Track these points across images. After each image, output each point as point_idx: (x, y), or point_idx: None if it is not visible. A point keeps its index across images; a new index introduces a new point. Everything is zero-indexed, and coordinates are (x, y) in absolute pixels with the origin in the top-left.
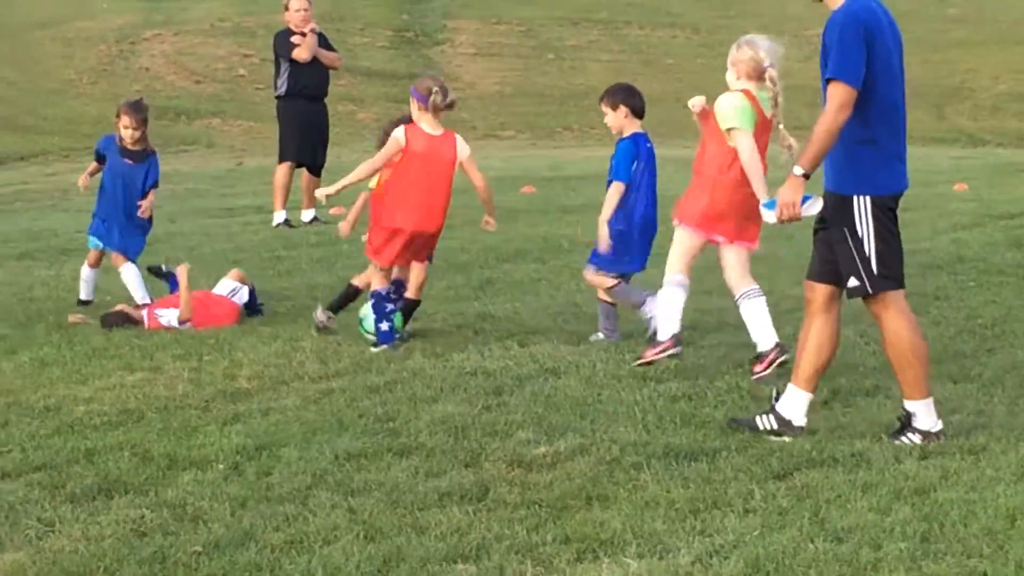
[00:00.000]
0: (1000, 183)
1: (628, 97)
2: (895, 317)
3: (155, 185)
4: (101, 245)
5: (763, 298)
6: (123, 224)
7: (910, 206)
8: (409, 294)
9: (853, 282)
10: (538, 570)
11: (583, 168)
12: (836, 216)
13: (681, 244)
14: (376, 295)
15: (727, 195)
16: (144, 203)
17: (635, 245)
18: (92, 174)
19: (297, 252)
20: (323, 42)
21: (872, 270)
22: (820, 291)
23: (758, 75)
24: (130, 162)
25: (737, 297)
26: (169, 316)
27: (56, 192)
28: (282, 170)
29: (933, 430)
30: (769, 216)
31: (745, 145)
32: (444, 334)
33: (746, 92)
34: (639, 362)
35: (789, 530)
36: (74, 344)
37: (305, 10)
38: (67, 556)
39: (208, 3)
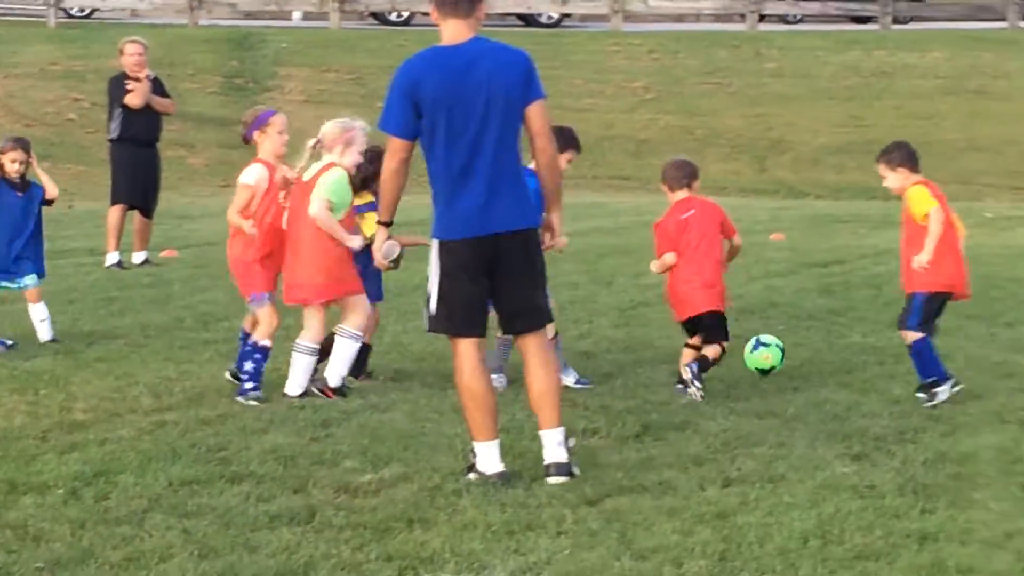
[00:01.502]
0: (816, 233)
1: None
2: (458, 361)
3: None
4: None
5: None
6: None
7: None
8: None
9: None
10: None
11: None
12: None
13: None
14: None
15: None
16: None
17: None
18: None
19: (130, 292)
20: (158, 88)
21: (431, 310)
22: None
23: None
24: (19, 194)
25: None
26: None
27: None
28: (114, 212)
29: (489, 472)
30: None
31: None
32: (276, 371)
33: None
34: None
35: (598, 550)
36: None
37: (140, 55)
38: None
39: (38, 46)
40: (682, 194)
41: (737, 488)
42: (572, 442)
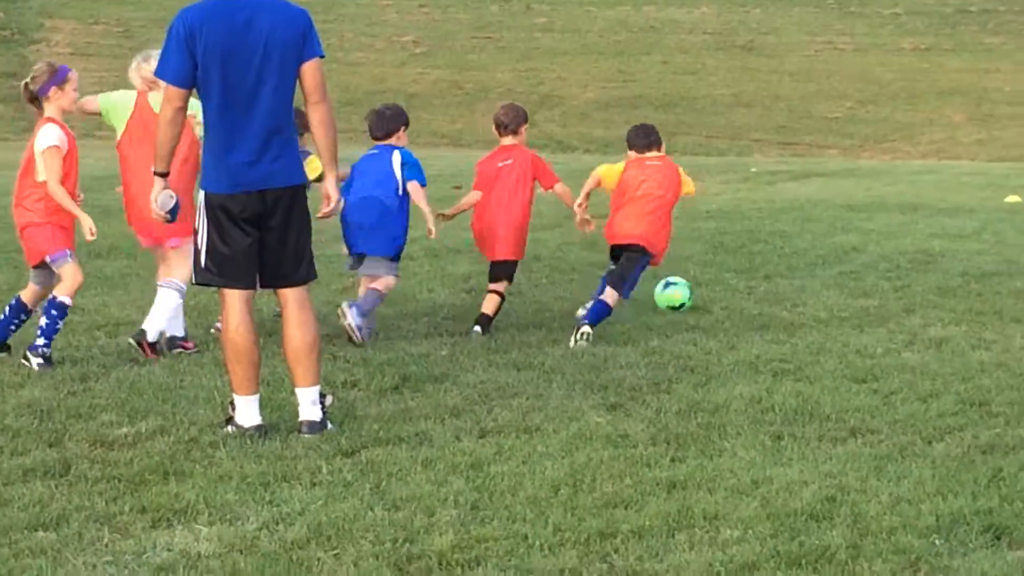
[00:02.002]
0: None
1: None
2: (225, 313)
3: None
4: None
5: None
6: None
7: None
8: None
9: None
10: (115, 536)
11: None
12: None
13: None
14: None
15: None
16: None
17: None
18: None
19: None
20: None
21: (200, 263)
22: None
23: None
24: None
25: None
26: None
27: None
28: None
29: (247, 425)
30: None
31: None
32: (34, 325)
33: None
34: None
35: (351, 500)
36: None
37: None
38: None
39: None
40: (507, 140)
41: (492, 439)
42: (330, 400)
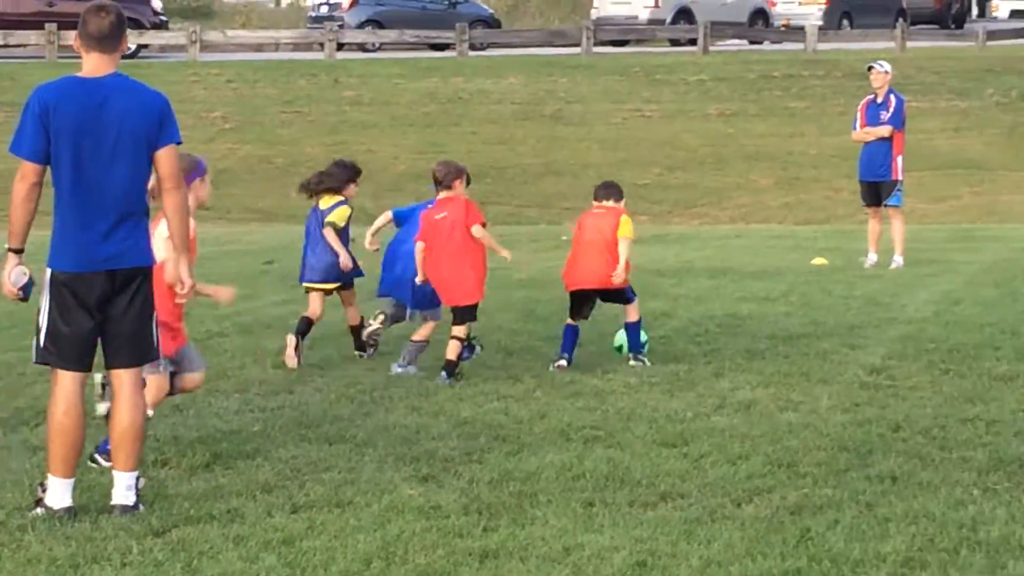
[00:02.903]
0: None
1: None
2: (56, 394)
3: None
4: None
5: None
6: None
7: None
8: None
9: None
10: None
11: None
12: None
13: None
14: None
15: None
16: None
17: None
18: None
19: None
20: None
21: (39, 341)
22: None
23: None
24: None
25: None
26: None
27: None
28: None
29: (56, 507)
30: None
31: None
32: None
33: None
34: None
35: None
36: None
37: None
38: None
39: None
40: (444, 193)
41: (304, 514)
42: (143, 482)
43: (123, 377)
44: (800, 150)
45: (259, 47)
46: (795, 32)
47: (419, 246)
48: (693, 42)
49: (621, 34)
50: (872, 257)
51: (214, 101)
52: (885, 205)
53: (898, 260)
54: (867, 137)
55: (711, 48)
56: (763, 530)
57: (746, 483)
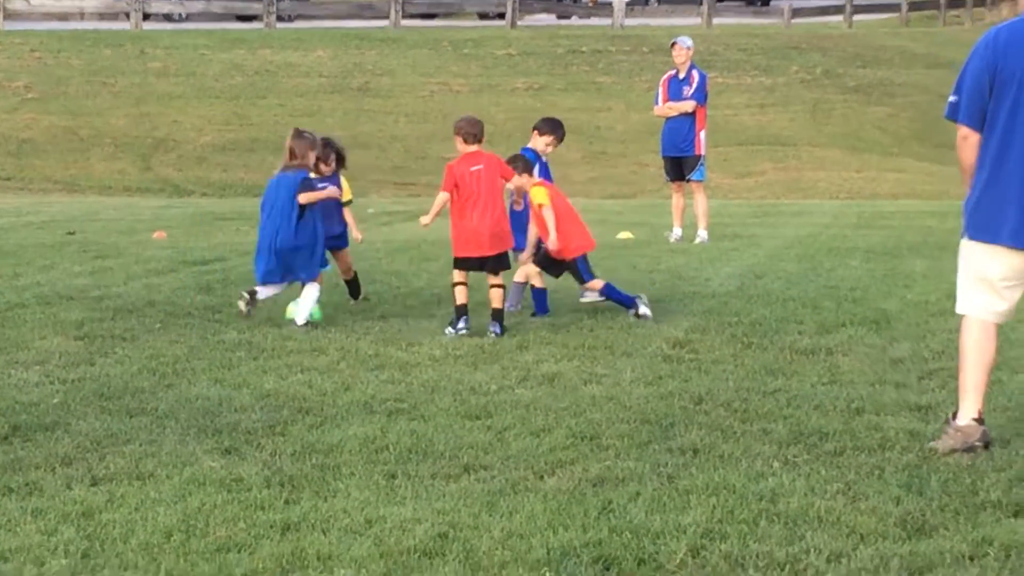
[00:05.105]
0: (198, 231)
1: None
2: None
3: None
4: None
5: None
6: None
7: (108, 254)
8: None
9: None
10: None
11: None
12: None
13: None
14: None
15: None
16: None
17: None
18: None
19: None
20: None
21: None
22: None
23: None
24: None
25: None
26: None
27: None
28: None
29: None
30: None
31: None
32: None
33: None
34: None
35: None
36: None
37: None
38: None
39: None
40: (473, 147)
41: (104, 486)
42: None
43: None
44: (607, 125)
45: (64, 16)
46: (603, 7)
47: (443, 196)
48: (502, 16)
49: (430, 7)
50: (677, 232)
51: (17, 70)
52: (688, 180)
53: (703, 235)
54: (670, 112)
55: (519, 23)
56: (565, 502)
57: (549, 455)
